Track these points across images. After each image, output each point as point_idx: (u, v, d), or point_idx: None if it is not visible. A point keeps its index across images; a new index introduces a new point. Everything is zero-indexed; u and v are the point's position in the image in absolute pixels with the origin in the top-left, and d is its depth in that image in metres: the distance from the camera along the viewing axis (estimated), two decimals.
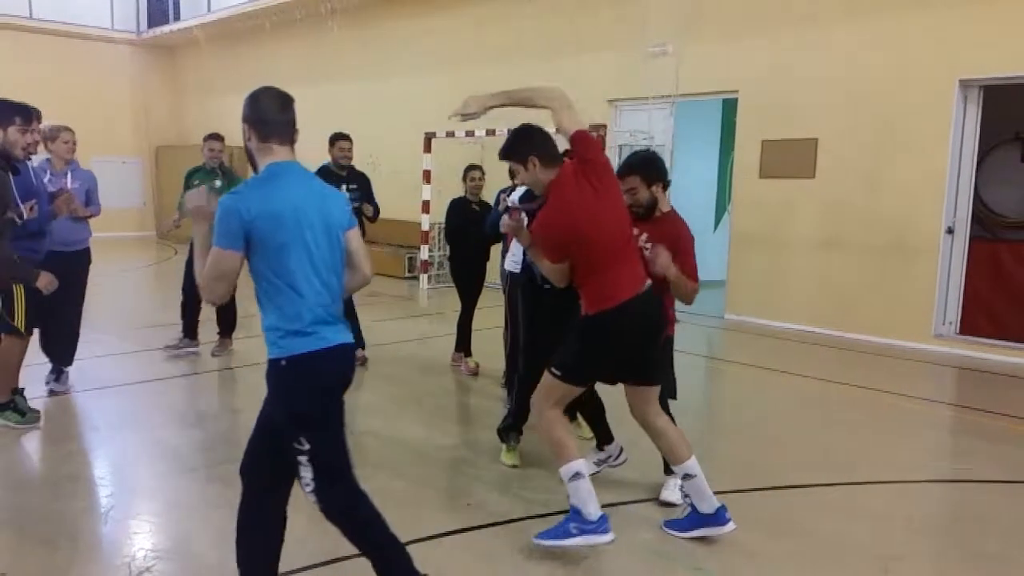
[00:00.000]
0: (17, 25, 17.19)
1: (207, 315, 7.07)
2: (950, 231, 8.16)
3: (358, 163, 6.99)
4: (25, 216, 4.69)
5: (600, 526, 3.31)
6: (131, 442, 5.01)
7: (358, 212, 6.73)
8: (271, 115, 2.66)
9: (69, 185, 5.58)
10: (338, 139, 6.77)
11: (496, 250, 6.21)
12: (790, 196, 9.14)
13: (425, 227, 12.06)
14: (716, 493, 3.66)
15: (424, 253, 12.20)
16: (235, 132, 3.15)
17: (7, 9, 16.99)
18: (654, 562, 3.52)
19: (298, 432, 2.62)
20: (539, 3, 11.59)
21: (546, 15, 11.55)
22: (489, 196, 6.44)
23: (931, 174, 8.10)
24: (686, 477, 3.61)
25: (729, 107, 10.75)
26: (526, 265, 4.54)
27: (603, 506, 3.97)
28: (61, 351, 5.90)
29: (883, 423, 5.72)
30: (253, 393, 2.71)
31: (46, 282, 4.58)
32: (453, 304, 7.24)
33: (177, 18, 18.40)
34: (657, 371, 3.62)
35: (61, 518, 3.84)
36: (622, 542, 3.66)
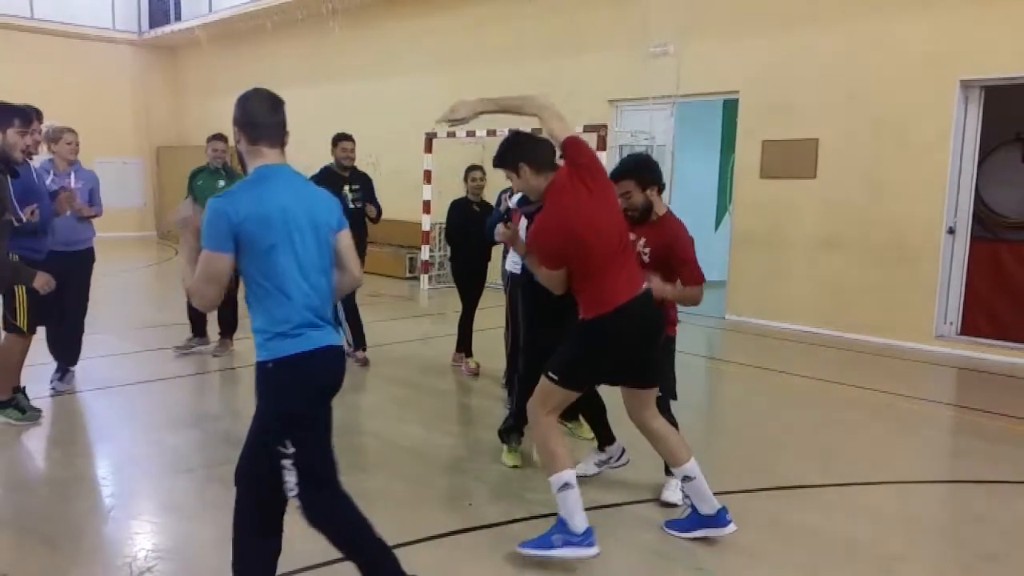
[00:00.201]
0: (18, 25, 17.20)
1: (211, 314, 7.08)
2: (951, 231, 8.16)
3: (359, 163, 6.99)
4: (24, 219, 4.71)
5: (585, 539, 3.28)
6: (132, 442, 5.02)
7: (361, 212, 6.74)
8: (261, 117, 2.66)
9: (73, 185, 5.61)
10: (341, 139, 6.77)
11: (497, 251, 6.22)
12: (791, 196, 9.14)
13: (426, 227, 12.06)
14: (717, 494, 3.66)
15: (425, 253, 12.20)
16: None
17: (8, 9, 17.00)
18: (655, 562, 3.52)
19: (283, 435, 2.60)
20: (540, 3, 11.58)
21: (547, 15, 11.55)
22: (490, 196, 6.45)
23: (932, 174, 8.09)
24: (686, 479, 3.61)
25: (730, 107, 10.74)
26: (527, 265, 4.53)
27: (604, 507, 4.01)
28: (66, 350, 5.96)
29: (884, 423, 5.72)
30: (253, 394, 2.70)
31: (43, 282, 4.60)
32: (454, 304, 7.24)
33: (178, 18, 18.41)
34: (655, 373, 3.61)
35: (62, 518, 3.85)
36: (623, 542, 3.67)
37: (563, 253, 3.29)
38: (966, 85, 7.94)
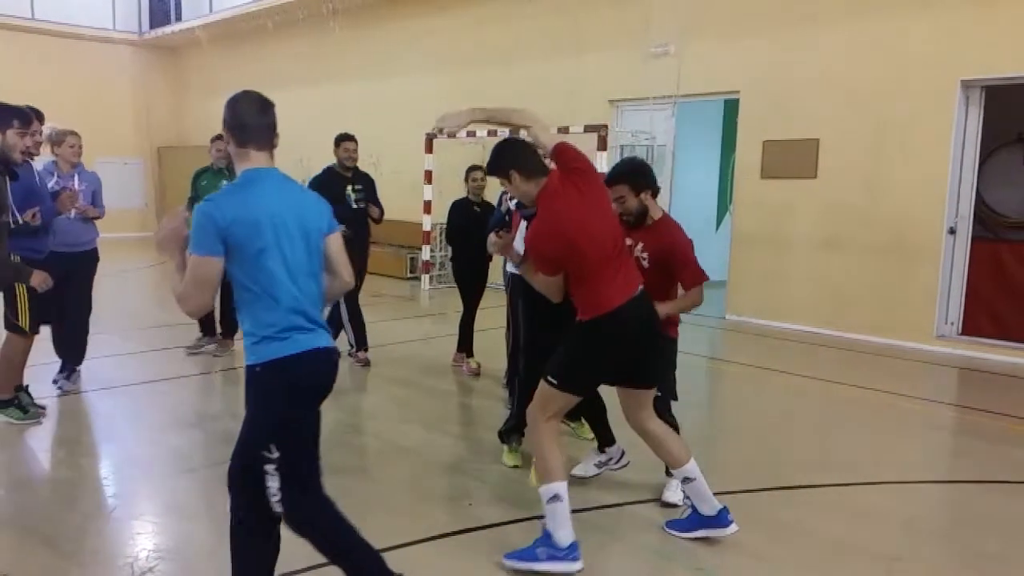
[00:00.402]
0: (19, 26, 17.21)
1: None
2: (952, 231, 8.16)
3: (360, 163, 7.00)
4: (21, 221, 4.72)
5: (569, 554, 3.25)
6: (134, 442, 5.03)
7: (364, 213, 6.75)
8: (249, 120, 2.64)
9: (76, 188, 5.64)
10: (343, 140, 6.77)
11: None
12: (792, 196, 9.14)
13: (427, 227, 12.07)
14: (718, 494, 3.66)
15: (426, 253, 12.21)
16: None
17: (9, 10, 17.02)
18: (656, 562, 3.53)
19: (268, 440, 2.59)
20: (540, 3, 11.58)
21: (548, 15, 11.55)
22: (491, 197, 6.45)
23: (933, 174, 8.09)
24: (686, 480, 3.60)
25: (730, 107, 10.75)
26: (522, 275, 4.53)
27: (605, 507, 4.01)
28: (71, 350, 6.01)
29: (884, 424, 5.72)
30: None
31: (40, 280, 4.63)
32: (455, 305, 7.25)
33: (179, 18, 18.43)
34: (652, 374, 3.58)
35: (64, 518, 3.85)
36: (624, 543, 3.68)
37: (559, 258, 3.27)
38: (967, 85, 7.94)
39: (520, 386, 4.55)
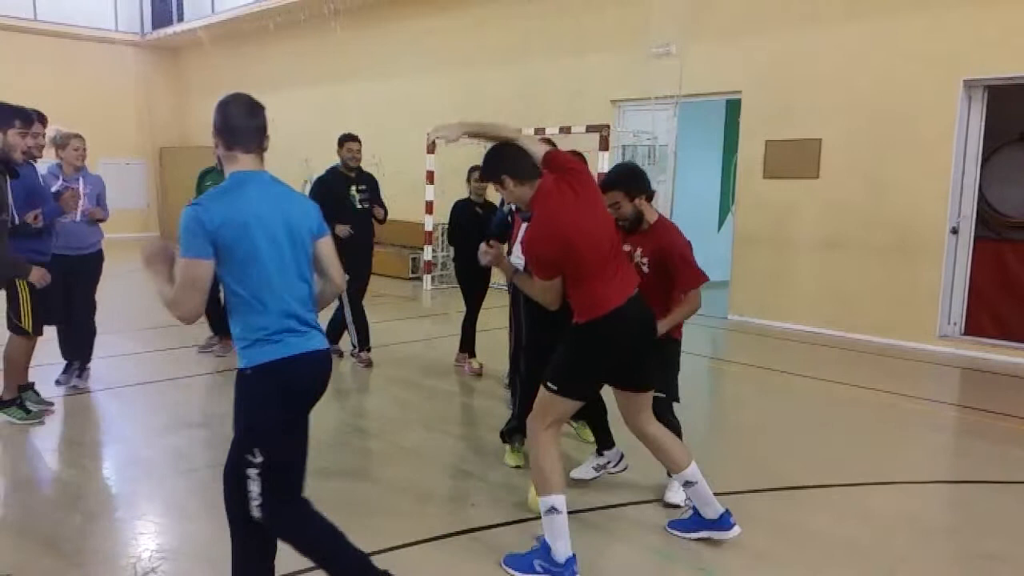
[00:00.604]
0: (21, 27, 17.24)
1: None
2: (954, 231, 8.15)
3: (362, 163, 7.00)
4: (17, 221, 4.72)
5: (566, 570, 3.20)
6: (136, 442, 5.03)
7: (368, 213, 6.75)
8: (237, 122, 2.63)
9: (82, 191, 5.67)
10: (347, 140, 6.75)
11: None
12: (794, 196, 9.13)
13: (428, 227, 12.07)
14: (720, 494, 3.66)
15: (428, 254, 12.21)
16: None
17: (11, 11, 17.05)
18: (658, 563, 3.53)
19: (253, 443, 2.58)
20: (542, 4, 11.58)
21: (549, 16, 11.55)
22: (493, 197, 6.44)
23: (935, 174, 8.08)
24: (687, 484, 3.58)
25: (733, 107, 10.75)
26: (517, 287, 4.51)
27: (606, 507, 4.00)
28: (79, 349, 6.07)
29: (887, 424, 5.71)
30: None
31: (39, 276, 4.66)
32: (457, 305, 7.25)
33: (181, 19, 18.44)
34: (649, 376, 3.56)
35: (67, 518, 3.86)
36: (626, 543, 3.68)
37: (557, 258, 3.22)
38: (969, 85, 7.93)
39: (522, 386, 4.54)
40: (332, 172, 6.71)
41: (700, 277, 3.83)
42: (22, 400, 5.20)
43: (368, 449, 5.09)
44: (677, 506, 3.98)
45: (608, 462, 4.32)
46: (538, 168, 3.35)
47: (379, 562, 2.82)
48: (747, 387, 6.95)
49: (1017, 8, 7.50)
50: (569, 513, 3.30)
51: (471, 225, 6.34)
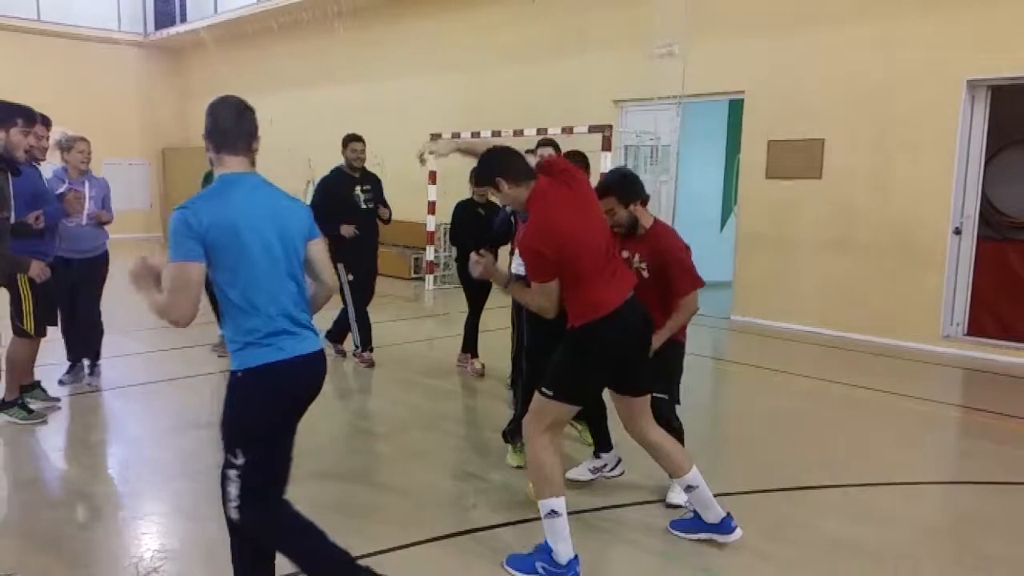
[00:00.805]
0: (24, 27, 17.27)
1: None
2: (957, 232, 8.13)
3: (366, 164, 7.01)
4: (13, 219, 4.73)
5: (569, 571, 3.19)
6: (139, 442, 5.04)
7: (373, 213, 6.75)
8: (225, 124, 2.63)
9: (87, 194, 5.69)
10: (351, 141, 6.76)
11: (503, 252, 6.20)
12: (797, 196, 9.12)
13: (431, 228, 12.07)
14: (723, 495, 3.66)
15: (430, 254, 12.22)
16: None
17: (14, 11, 17.08)
18: (660, 563, 3.52)
19: (236, 444, 2.57)
20: (545, 4, 11.58)
21: (552, 16, 11.55)
22: (495, 197, 6.44)
23: (938, 174, 8.07)
24: (688, 489, 3.56)
25: (735, 108, 10.73)
26: (514, 297, 4.49)
27: (609, 507, 4.00)
28: (86, 347, 6.10)
29: (890, 424, 5.70)
30: None
31: (38, 270, 4.68)
32: (459, 305, 7.25)
33: (184, 20, 18.47)
34: (647, 379, 3.54)
35: (69, 518, 3.87)
36: (628, 543, 3.67)
37: (555, 258, 3.18)
38: (972, 85, 7.91)
39: (524, 387, 4.53)
40: (336, 172, 6.72)
41: (696, 282, 3.82)
42: (23, 400, 5.21)
43: (369, 449, 5.10)
44: (679, 507, 3.97)
45: (605, 465, 4.30)
46: (532, 170, 3.35)
47: (380, 563, 2.83)
48: (749, 387, 6.94)
49: (1020, 9, 7.49)
50: (570, 514, 3.30)
51: (473, 225, 6.33)
